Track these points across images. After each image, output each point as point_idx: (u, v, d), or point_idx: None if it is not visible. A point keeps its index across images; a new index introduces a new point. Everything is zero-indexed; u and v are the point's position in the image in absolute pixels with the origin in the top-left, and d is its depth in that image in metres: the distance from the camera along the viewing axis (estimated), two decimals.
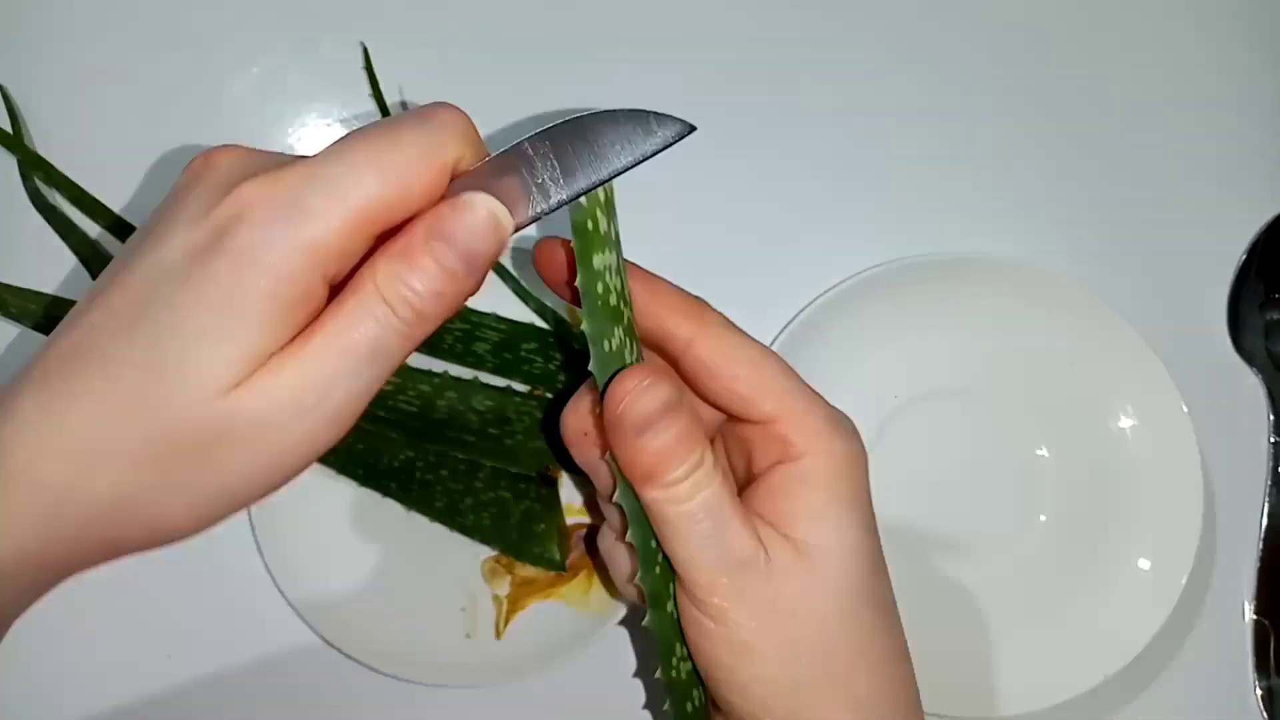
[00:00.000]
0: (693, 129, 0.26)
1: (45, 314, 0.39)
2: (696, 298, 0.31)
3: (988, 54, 0.48)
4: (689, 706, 0.31)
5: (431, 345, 0.43)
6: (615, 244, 0.29)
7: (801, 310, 0.44)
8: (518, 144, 0.27)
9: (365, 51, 0.46)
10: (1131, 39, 0.48)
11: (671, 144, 0.27)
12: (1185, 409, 0.42)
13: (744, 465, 0.32)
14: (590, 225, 0.28)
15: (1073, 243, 0.47)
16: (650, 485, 0.28)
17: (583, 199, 0.28)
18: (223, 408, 0.23)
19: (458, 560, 0.43)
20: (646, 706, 0.43)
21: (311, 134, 0.47)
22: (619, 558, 0.33)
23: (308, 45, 0.47)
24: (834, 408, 0.31)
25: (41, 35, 0.47)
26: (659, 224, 0.46)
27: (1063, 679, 0.42)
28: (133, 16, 0.47)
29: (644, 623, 0.30)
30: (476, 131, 0.27)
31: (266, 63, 0.47)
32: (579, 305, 0.29)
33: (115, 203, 0.44)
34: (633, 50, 0.48)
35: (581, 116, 0.27)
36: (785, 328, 0.43)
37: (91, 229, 0.44)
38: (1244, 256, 0.46)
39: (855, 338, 0.44)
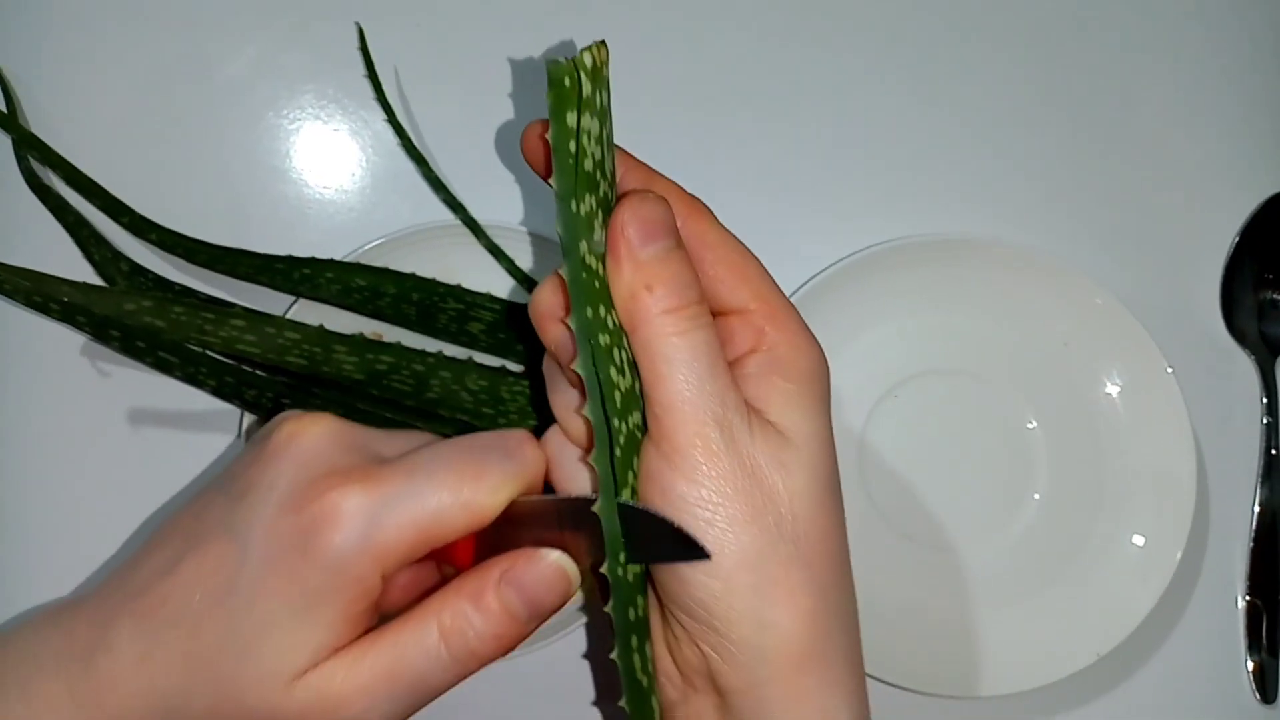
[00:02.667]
0: (706, 556, 0.26)
1: (37, 290, 0.39)
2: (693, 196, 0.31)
3: (981, 38, 0.48)
4: (631, 614, 0.28)
5: (426, 325, 0.43)
6: (600, 113, 0.27)
7: (796, 291, 0.44)
8: (585, 501, 0.28)
9: (360, 32, 0.46)
10: (1125, 24, 0.48)
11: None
12: (1177, 386, 0.42)
13: None
14: (567, 82, 0.26)
15: (1066, 224, 0.47)
16: (646, 308, 0.27)
17: (562, 58, 0.26)
18: (285, 693, 0.27)
19: None
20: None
21: (306, 114, 0.47)
22: (569, 459, 0.31)
23: (303, 26, 0.47)
24: (790, 306, 0.30)
25: (37, 15, 0.47)
26: None
27: (1057, 658, 0.42)
28: None
29: (594, 508, 0.27)
30: (543, 468, 0.30)
31: (262, 43, 0.47)
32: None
33: (109, 182, 0.44)
34: (630, 35, 0.48)
35: (665, 522, 0.27)
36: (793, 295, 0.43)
37: (85, 208, 0.44)
38: (1237, 238, 0.46)
39: (849, 318, 0.44)
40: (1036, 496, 0.44)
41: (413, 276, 0.42)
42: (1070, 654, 0.42)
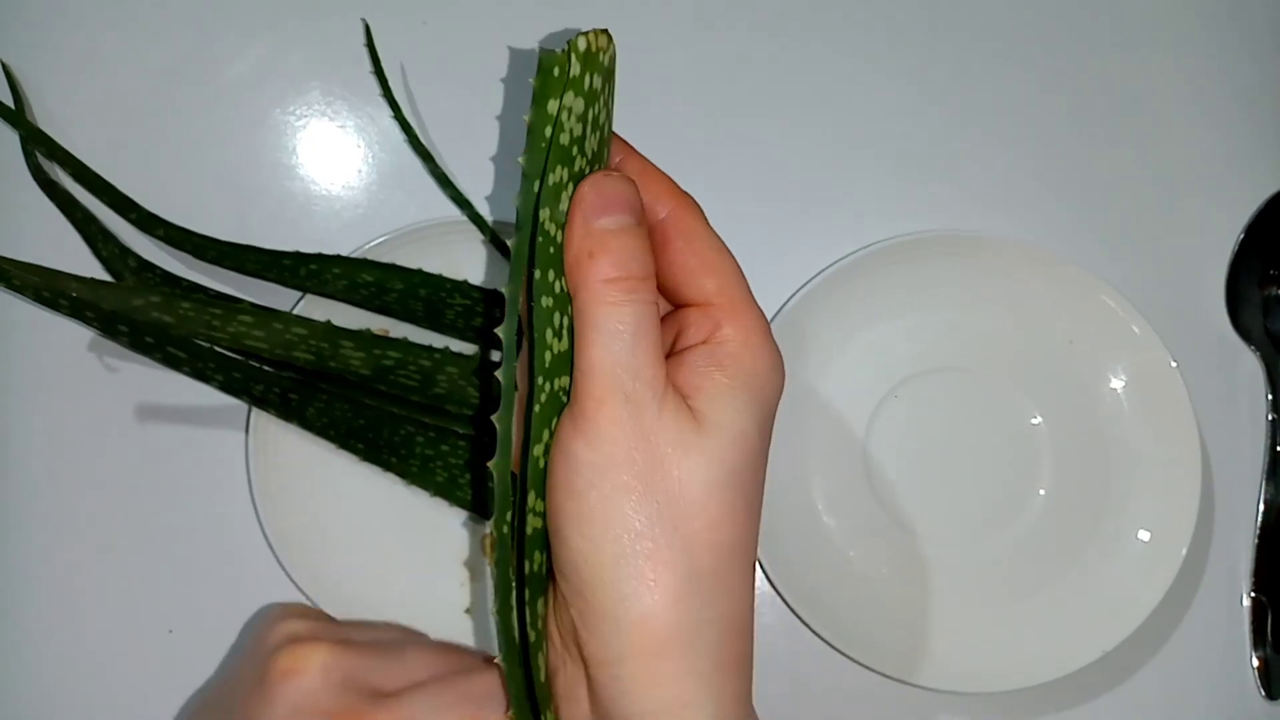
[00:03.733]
0: None
1: (46, 286, 0.40)
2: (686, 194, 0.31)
3: (986, 36, 0.48)
4: (527, 568, 0.29)
5: (433, 320, 0.43)
6: (589, 95, 0.27)
7: (802, 286, 0.44)
8: None
9: (367, 29, 0.46)
10: (1130, 21, 0.48)
11: None
12: (1182, 382, 0.42)
13: (669, 348, 0.31)
14: (556, 71, 0.26)
15: (1071, 221, 0.47)
16: (587, 273, 0.27)
17: (559, 47, 0.26)
18: None
19: (458, 535, 0.43)
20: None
21: (313, 111, 0.47)
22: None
23: (310, 23, 0.47)
24: (758, 311, 0.30)
25: (45, 12, 0.47)
26: None
27: (1062, 653, 0.42)
28: None
29: (489, 464, 0.28)
30: None
31: (269, 40, 0.47)
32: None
33: (116, 178, 0.44)
34: (636, 30, 0.48)
35: None
36: (786, 303, 0.44)
37: (93, 204, 0.45)
38: (1242, 235, 0.46)
39: (852, 316, 0.44)
40: (1041, 493, 0.44)
41: (419, 272, 0.42)
42: (1076, 650, 0.42)
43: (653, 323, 0.27)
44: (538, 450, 0.28)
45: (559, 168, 0.27)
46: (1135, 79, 0.48)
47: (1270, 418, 0.45)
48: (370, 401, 0.43)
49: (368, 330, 0.42)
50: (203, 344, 0.42)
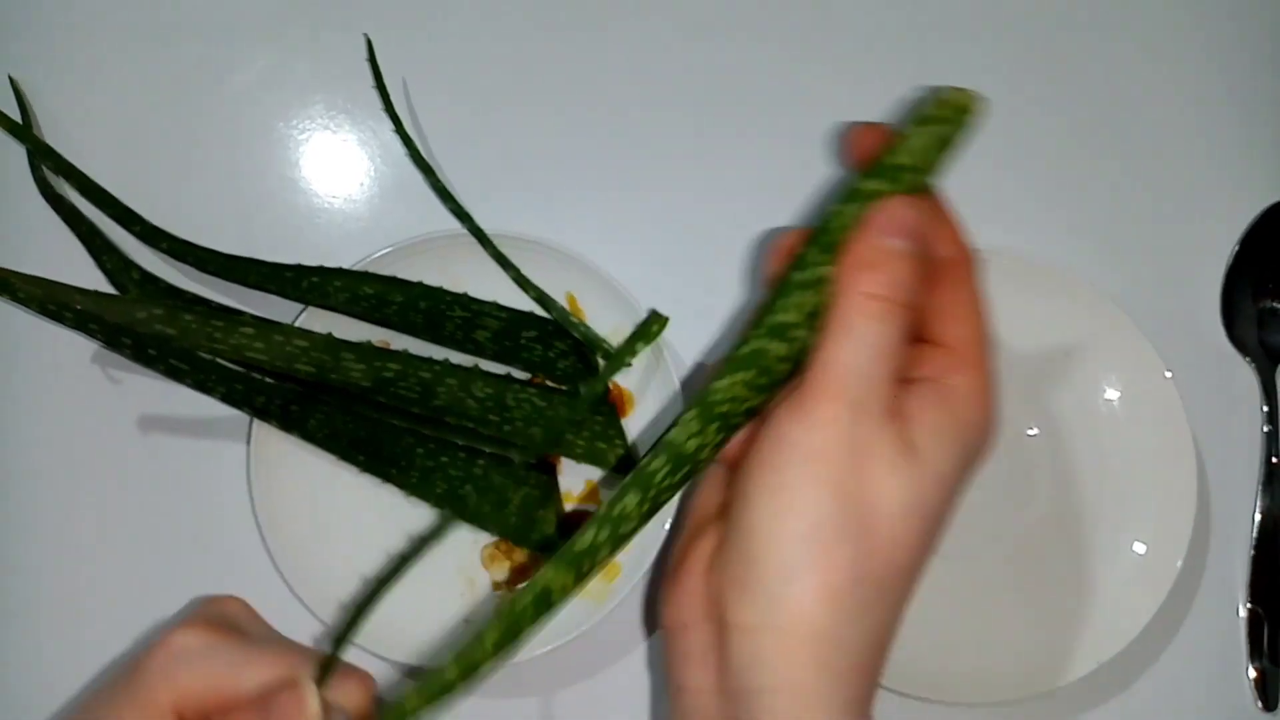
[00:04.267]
0: None
1: (51, 299, 0.40)
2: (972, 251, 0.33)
3: (983, 48, 0.49)
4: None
5: (433, 332, 0.44)
6: (944, 145, 0.30)
7: None
8: None
9: (369, 43, 0.46)
10: (1127, 34, 0.49)
11: None
12: (1177, 393, 0.42)
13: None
14: (944, 109, 0.30)
15: (1067, 233, 0.47)
16: (862, 279, 0.29)
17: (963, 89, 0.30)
18: None
19: (457, 546, 0.44)
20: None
21: (316, 125, 0.47)
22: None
23: (312, 37, 0.48)
24: (992, 372, 0.32)
25: (51, 27, 0.47)
26: (675, 204, 0.47)
27: (1058, 664, 0.42)
28: (140, 8, 0.48)
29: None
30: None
31: (272, 54, 0.48)
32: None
33: (121, 191, 0.45)
34: (634, 38, 0.48)
35: None
36: None
37: (97, 217, 0.45)
38: (1237, 247, 0.47)
39: None
40: (1038, 504, 0.44)
41: (420, 285, 0.43)
42: (1072, 661, 0.42)
43: (899, 348, 0.29)
44: (719, 385, 0.30)
45: (878, 179, 0.30)
46: (1132, 92, 0.48)
47: (1265, 429, 0.46)
48: (370, 413, 0.43)
49: (368, 342, 0.42)
50: (205, 356, 0.42)
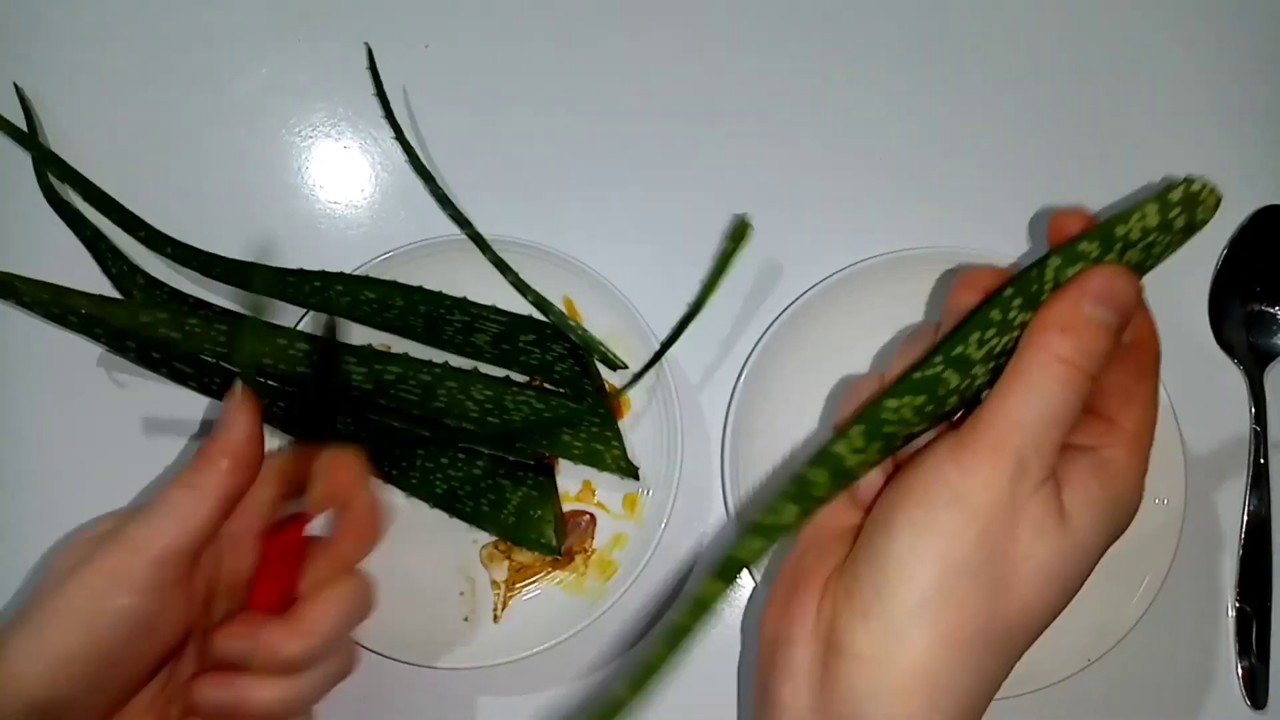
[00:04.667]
0: None
1: (56, 303, 0.41)
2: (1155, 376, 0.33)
3: (971, 54, 0.49)
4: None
5: (433, 336, 0.44)
6: (1169, 229, 0.29)
7: (792, 302, 0.45)
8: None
9: (369, 52, 0.47)
10: (1113, 38, 0.49)
11: None
12: (1165, 394, 0.43)
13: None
14: (1182, 195, 0.29)
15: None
16: (1055, 340, 0.28)
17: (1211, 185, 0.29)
18: None
19: (457, 546, 0.44)
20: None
21: (318, 132, 0.48)
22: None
23: (314, 46, 0.49)
24: (1148, 456, 0.32)
25: (56, 36, 0.48)
26: (671, 210, 0.48)
27: (1048, 663, 0.42)
28: (144, 18, 0.48)
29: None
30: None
31: (273, 62, 0.49)
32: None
33: (126, 198, 0.45)
34: (632, 47, 0.49)
35: None
36: (782, 313, 0.44)
37: (103, 223, 0.46)
38: (1225, 250, 0.47)
39: (842, 331, 0.45)
40: None
41: (420, 289, 0.43)
42: (1062, 660, 0.42)
43: (1074, 416, 0.29)
44: (890, 404, 0.29)
45: (1097, 243, 0.29)
46: (1119, 96, 0.49)
47: (1253, 430, 0.46)
48: (370, 415, 0.44)
49: (369, 346, 0.43)
50: (209, 359, 0.43)
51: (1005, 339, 0.30)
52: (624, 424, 0.44)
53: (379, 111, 0.47)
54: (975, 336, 0.29)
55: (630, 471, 0.43)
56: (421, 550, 0.44)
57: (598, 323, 0.44)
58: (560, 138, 0.48)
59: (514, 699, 0.44)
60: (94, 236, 0.45)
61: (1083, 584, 0.30)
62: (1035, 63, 0.49)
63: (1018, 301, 0.29)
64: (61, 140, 0.47)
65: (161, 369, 0.43)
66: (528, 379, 0.45)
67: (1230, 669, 0.45)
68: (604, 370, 0.45)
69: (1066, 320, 0.29)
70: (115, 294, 0.45)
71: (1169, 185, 0.29)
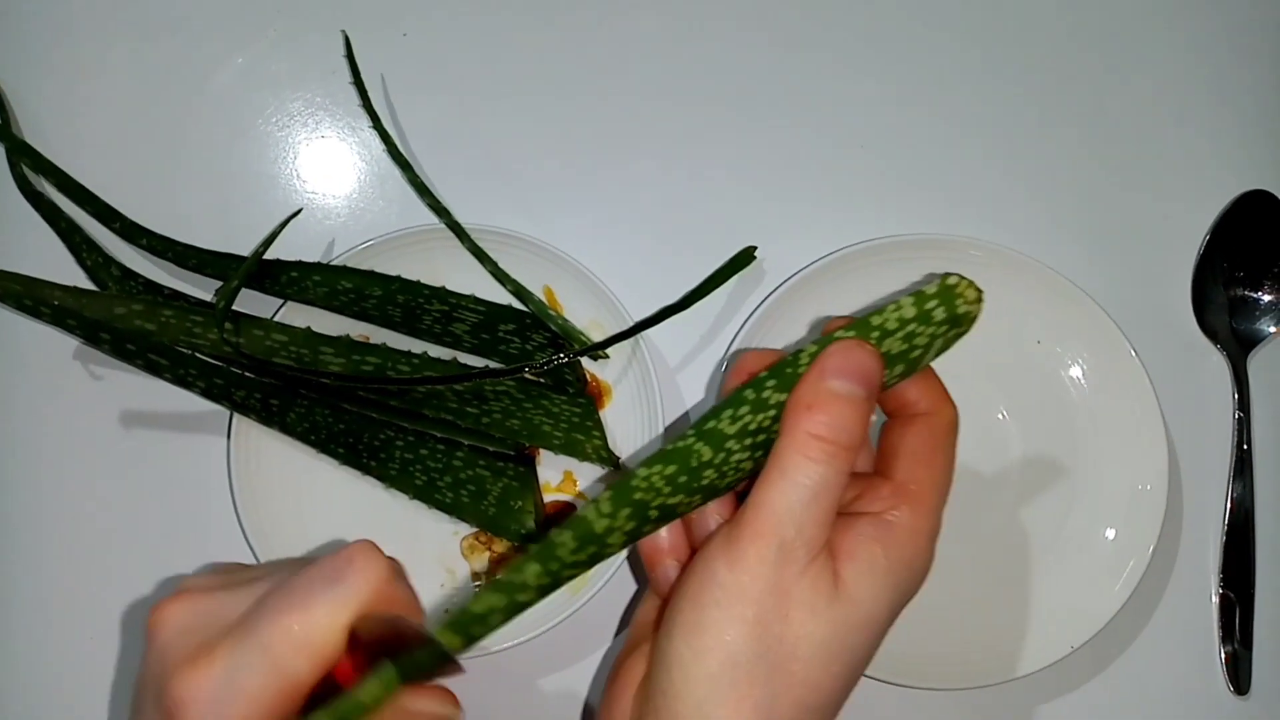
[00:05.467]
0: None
1: (28, 294, 0.40)
2: (952, 407, 0.33)
3: (955, 41, 0.49)
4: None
5: (411, 326, 0.44)
6: (927, 321, 0.30)
7: (774, 290, 0.44)
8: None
9: (347, 41, 0.47)
10: (1098, 27, 0.49)
11: None
12: (1149, 382, 0.43)
13: (847, 504, 0.33)
14: (939, 290, 0.30)
15: (1039, 223, 0.48)
16: (804, 419, 0.29)
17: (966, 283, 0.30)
18: None
19: (437, 537, 0.44)
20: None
21: (295, 122, 0.48)
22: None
23: (291, 35, 0.48)
24: (939, 519, 0.32)
25: (30, 25, 0.48)
26: (652, 199, 0.47)
27: (1032, 650, 0.42)
28: (120, 8, 0.48)
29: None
30: (388, 574, 0.29)
31: (250, 53, 0.48)
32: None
33: (100, 189, 0.45)
34: (613, 35, 0.48)
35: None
36: (759, 306, 0.44)
37: (77, 214, 0.45)
38: (1207, 236, 0.47)
39: (830, 314, 0.45)
40: (1009, 491, 0.45)
41: (398, 279, 0.43)
42: (1045, 646, 0.42)
43: (836, 490, 0.29)
44: (641, 472, 0.29)
45: (853, 331, 0.30)
46: (1103, 84, 0.49)
47: (1236, 416, 0.46)
48: (348, 406, 0.43)
49: (347, 336, 0.43)
50: (185, 351, 0.42)
51: (761, 416, 0.30)
52: (605, 414, 0.44)
53: (357, 100, 0.46)
54: (729, 413, 0.29)
55: (611, 461, 0.43)
56: (401, 542, 0.43)
57: (578, 312, 0.44)
58: (540, 126, 0.48)
59: (492, 692, 0.44)
60: (69, 228, 0.45)
61: (874, 650, 0.30)
62: (1018, 50, 0.49)
63: (772, 383, 0.30)
64: (35, 131, 0.47)
65: (137, 361, 0.42)
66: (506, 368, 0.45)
67: (1214, 655, 0.45)
68: (586, 361, 0.44)
69: (810, 398, 0.29)
70: (91, 286, 0.45)
71: (930, 279, 0.29)
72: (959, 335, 0.32)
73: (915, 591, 0.31)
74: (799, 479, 0.29)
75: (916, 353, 0.31)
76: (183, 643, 0.28)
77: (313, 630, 0.27)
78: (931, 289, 0.30)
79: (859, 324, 0.30)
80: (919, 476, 0.31)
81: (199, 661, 0.28)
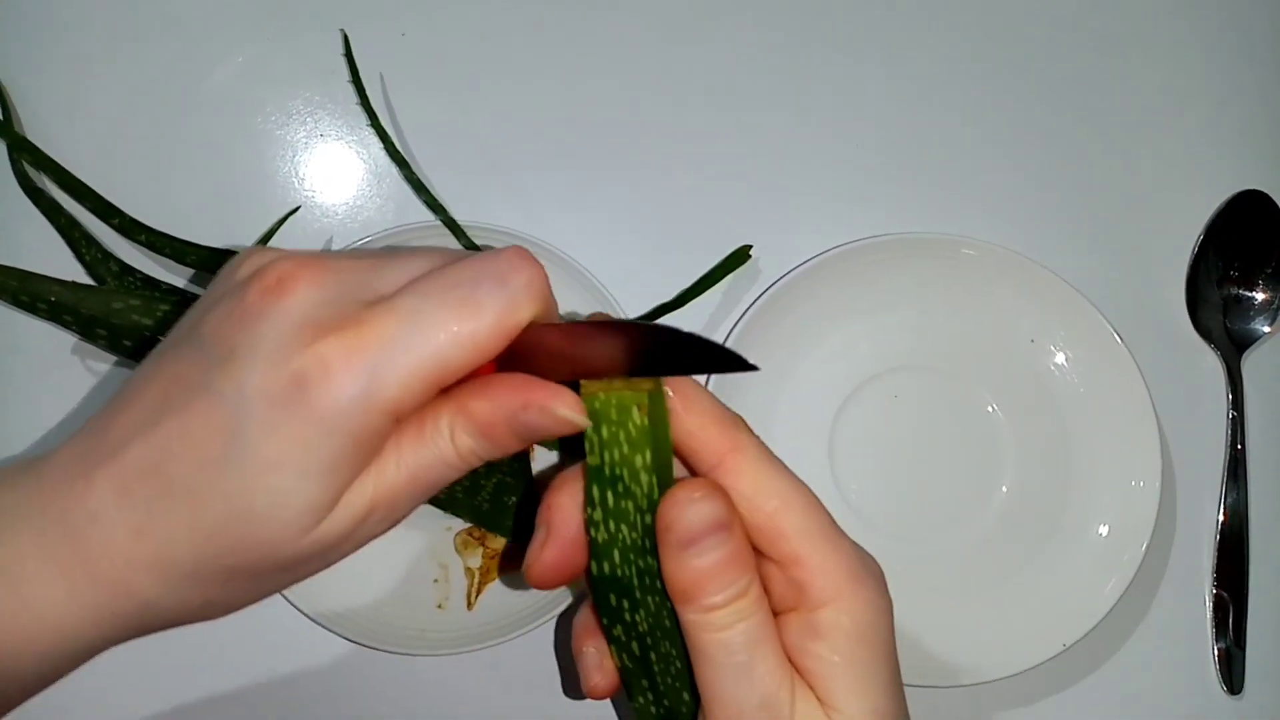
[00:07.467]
0: (754, 368, 0.25)
1: (24, 289, 0.41)
2: (734, 415, 0.29)
3: (950, 41, 0.49)
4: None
5: None
6: (623, 425, 0.27)
7: (768, 288, 0.44)
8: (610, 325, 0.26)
9: (345, 39, 0.47)
10: (1093, 26, 0.49)
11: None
12: (1143, 381, 0.43)
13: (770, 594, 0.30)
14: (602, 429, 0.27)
15: (1034, 222, 0.48)
16: (689, 606, 0.27)
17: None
18: (307, 542, 0.26)
19: (431, 533, 0.44)
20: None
21: (293, 119, 0.48)
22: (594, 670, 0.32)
23: (291, 34, 0.48)
24: (859, 551, 0.29)
25: (31, 22, 0.48)
26: (647, 197, 0.47)
27: (1025, 647, 0.42)
28: (121, 6, 0.48)
29: None
30: (549, 287, 0.27)
31: (250, 50, 0.48)
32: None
33: (100, 185, 0.45)
34: (609, 34, 0.49)
35: (676, 332, 0.25)
36: (753, 304, 0.44)
37: (77, 210, 0.46)
38: (1201, 236, 0.47)
39: (819, 315, 0.45)
40: (1003, 489, 0.45)
41: None
42: (1038, 644, 0.42)
43: (765, 632, 0.27)
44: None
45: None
46: (1098, 84, 0.49)
47: (1230, 416, 0.46)
48: None
49: None
50: None
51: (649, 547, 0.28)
52: None
53: (355, 99, 0.47)
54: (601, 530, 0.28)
55: None
56: (394, 538, 0.43)
57: (572, 309, 0.44)
58: (537, 124, 0.48)
59: (487, 687, 0.44)
60: (68, 224, 0.45)
61: (899, 682, 0.29)
62: (1012, 49, 0.49)
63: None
64: (36, 127, 0.47)
65: (134, 357, 0.43)
66: None
67: (1207, 653, 0.45)
68: None
69: (684, 584, 0.27)
70: (90, 281, 0.45)
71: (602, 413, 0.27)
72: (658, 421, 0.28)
73: (889, 619, 0.29)
74: (725, 659, 0.27)
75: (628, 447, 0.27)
76: (324, 311, 0.25)
77: (480, 330, 0.25)
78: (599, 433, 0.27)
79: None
80: (788, 550, 0.28)
81: (347, 330, 0.25)
